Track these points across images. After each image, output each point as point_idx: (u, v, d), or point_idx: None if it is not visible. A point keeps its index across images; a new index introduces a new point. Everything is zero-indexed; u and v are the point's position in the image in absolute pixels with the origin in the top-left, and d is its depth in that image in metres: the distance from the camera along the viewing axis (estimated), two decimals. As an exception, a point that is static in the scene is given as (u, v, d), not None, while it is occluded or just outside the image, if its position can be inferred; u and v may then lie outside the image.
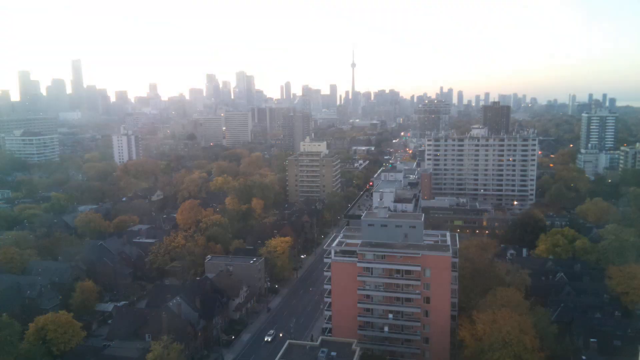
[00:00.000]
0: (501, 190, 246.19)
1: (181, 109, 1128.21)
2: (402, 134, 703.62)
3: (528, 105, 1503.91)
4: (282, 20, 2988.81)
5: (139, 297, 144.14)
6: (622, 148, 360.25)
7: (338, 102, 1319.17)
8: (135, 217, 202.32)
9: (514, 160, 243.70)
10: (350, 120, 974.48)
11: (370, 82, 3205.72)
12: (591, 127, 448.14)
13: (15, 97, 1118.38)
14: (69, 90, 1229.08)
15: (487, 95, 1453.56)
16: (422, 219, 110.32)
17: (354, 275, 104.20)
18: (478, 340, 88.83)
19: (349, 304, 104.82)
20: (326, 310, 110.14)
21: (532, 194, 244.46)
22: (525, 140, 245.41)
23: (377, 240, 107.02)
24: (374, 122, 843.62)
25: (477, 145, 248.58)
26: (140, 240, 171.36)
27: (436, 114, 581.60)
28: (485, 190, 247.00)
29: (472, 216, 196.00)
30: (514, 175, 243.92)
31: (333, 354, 75.33)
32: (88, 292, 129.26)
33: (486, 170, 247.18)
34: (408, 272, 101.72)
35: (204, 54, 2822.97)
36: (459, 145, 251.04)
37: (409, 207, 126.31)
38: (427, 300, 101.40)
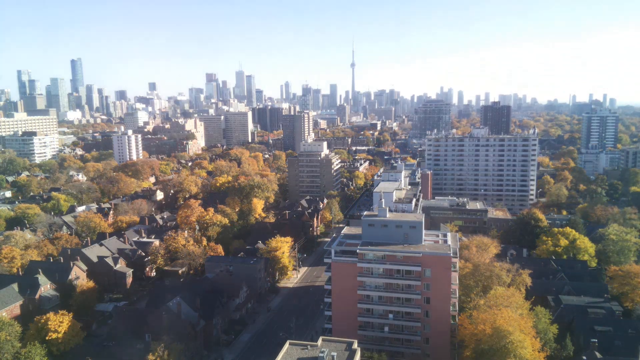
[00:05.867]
0: (501, 190, 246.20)
1: (181, 108, 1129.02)
2: (402, 133, 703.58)
3: (528, 105, 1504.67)
4: (282, 19, 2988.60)
5: (139, 297, 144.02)
6: (622, 148, 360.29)
7: (338, 102, 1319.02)
8: (135, 217, 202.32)
9: (514, 160, 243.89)
10: (351, 120, 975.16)
11: (371, 82, 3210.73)
12: (591, 127, 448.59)
13: (14, 96, 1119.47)
14: (68, 89, 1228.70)
15: (487, 95, 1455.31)
16: (422, 219, 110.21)
17: (354, 275, 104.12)
18: (478, 341, 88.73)
19: (349, 304, 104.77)
20: (326, 310, 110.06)
21: (532, 194, 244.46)
22: (525, 140, 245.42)
23: (377, 240, 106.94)
24: (374, 121, 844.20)
25: (477, 145, 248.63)
26: (140, 240, 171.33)
27: (436, 114, 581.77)
28: (485, 190, 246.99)
29: (473, 216, 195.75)
30: (514, 175, 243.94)
31: (333, 354, 75.09)
32: (88, 292, 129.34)
33: (486, 170, 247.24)
34: (408, 272, 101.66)
35: (204, 53, 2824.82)
36: (459, 145, 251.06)
37: (409, 207, 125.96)
38: (428, 300, 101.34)
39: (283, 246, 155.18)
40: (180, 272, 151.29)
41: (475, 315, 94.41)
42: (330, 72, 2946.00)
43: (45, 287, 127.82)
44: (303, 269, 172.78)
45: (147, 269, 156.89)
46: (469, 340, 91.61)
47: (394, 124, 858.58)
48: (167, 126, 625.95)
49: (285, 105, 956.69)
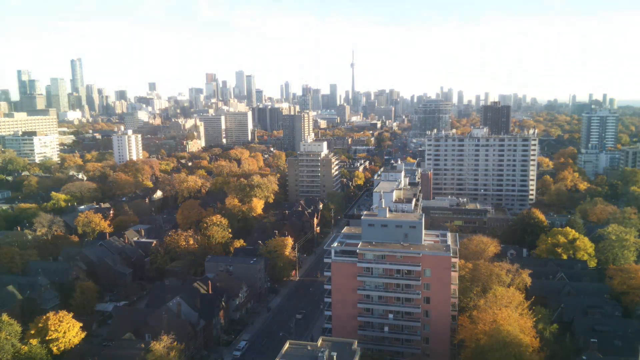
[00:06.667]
0: (501, 190, 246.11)
1: (181, 108, 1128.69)
2: (401, 133, 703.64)
3: (528, 105, 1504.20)
4: (282, 19, 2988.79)
5: (139, 297, 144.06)
6: (622, 148, 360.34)
7: (338, 102, 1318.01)
8: (135, 217, 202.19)
9: (514, 160, 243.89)
10: (351, 120, 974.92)
11: (370, 82, 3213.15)
12: (591, 127, 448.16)
13: (14, 96, 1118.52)
14: (68, 89, 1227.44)
15: (487, 95, 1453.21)
16: (422, 219, 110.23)
17: (354, 275, 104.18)
18: (478, 340, 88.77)
19: (349, 304, 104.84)
20: (326, 310, 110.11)
21: (532, 194, 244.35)
22: (525, 140, 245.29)
23: (377, 240, 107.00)
24: (374, 121, 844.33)
25: (477, 145, 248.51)
26: (140, 240, 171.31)
27: (436, 114, 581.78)
28: (485, 190, 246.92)
29: (472, 216, 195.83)
30: (514, 175, 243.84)
31: (333, 354, 75.21)
32: (88, 292, 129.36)
33: (486, 170, 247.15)
34: (408, 272, 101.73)
35: (203, 53, 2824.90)
36: (459, 145, 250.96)
37: (409, 207, 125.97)
38: (427, 300, 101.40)
39: (283, 246, 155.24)
40: (180, 272, 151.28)
41: (475, 315, 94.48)
42: (330, 72, 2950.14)
43: (45, 287, 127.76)
44: (303, 269, 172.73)
45: (147, 269, 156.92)
46: (468, 340, 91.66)
47: (394, 124, 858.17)
48: (167, 126, 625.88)
49: (285, 105, 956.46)
